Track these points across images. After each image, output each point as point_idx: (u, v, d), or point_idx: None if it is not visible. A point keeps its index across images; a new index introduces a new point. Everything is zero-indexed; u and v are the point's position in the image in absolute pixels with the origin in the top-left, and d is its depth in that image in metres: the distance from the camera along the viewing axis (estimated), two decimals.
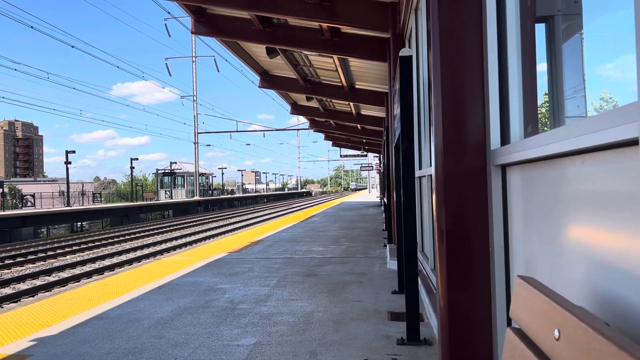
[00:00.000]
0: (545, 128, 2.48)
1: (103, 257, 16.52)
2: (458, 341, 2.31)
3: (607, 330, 0.91)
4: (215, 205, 52.20)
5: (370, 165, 63.04)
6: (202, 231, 25.23)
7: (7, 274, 14.20)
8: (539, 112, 2.49)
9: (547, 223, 1.72)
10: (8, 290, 11.65)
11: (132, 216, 35.59)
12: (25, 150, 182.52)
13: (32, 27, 30.05)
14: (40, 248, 19.15)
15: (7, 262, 15.87)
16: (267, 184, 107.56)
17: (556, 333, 1.04)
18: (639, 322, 1.07)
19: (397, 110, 5.00)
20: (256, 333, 4.56)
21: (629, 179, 1.11)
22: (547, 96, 2.51)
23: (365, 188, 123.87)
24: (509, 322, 2.10)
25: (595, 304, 1.30)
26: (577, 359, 0.96)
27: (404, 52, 4.34)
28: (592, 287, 1.35)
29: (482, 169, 2.31)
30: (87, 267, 14.71)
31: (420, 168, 6.51)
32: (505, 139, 2.24)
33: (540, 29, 2.45)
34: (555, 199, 1.63)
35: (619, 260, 1.20)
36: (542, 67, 2.49)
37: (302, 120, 38.51)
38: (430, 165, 4.04)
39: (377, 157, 45.62)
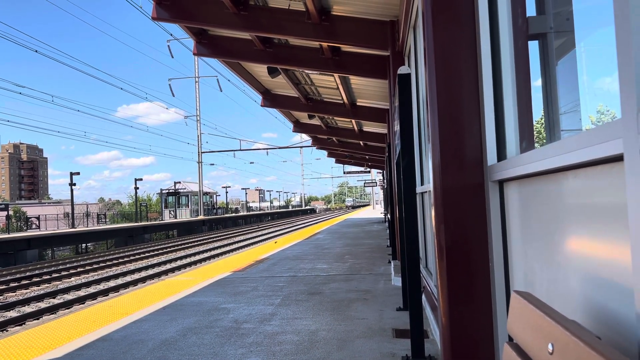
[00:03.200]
0: (542, 141, 2.51)
1: (108, 279, 16.51)
2: (461, 356, 2.31)
3: (598, 345, 0.92)
4: (220, 224, 52.18)
5: (373, 181, 63.08)
6: (206, 250, 25.20)
7: (12, 297, 14.20)
8: (535, 127, 2.53)
9: (543, 238, 1.74)
10: (13, 314, 11.64)
11: (136, 237, 35.60)
12: (30, 172, 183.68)
13: (36, 51, 30.48)
14: (45, 270, 19.16)
15: (12, 285, 15.87)
16: (271, 202, 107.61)
17: (550, 347, 1.06)
18: (630, 335, 1.08)
19: (397, 127, 5.04)
20: (260, 353, 4.54)
21: (617, 193, 1.13)
22: (542, 111, 2.55)
23: (367, 205, 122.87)
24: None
25: (590, 318, 1.31)
26: None
27: (402, 70, 4.40)
28: (586, 301, 1.36)
29: (480, 185, 2.33)
30: (92, 289, 14.69)
31: (422, 184, 6.53)
32: (501, 154, 2.27)
33: (533, 46, 2.50)
34: (550, 214, 1.66)
35: (609, 273, 1.22)
36: (536, 83, 2.53)
37: (305, 138, 38.67)
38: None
39: (380, 173, 45.66)
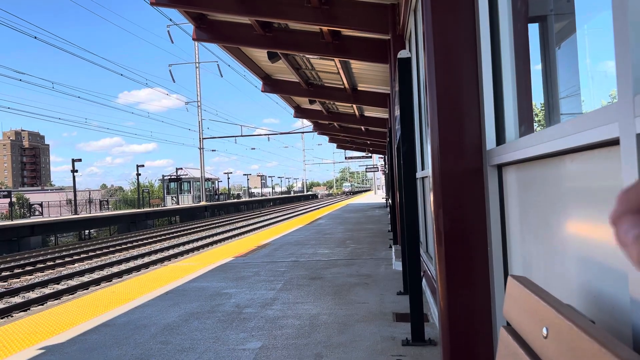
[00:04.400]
0: (539, 127, 2.50)
1: (111, 264, 16.61)
2: (459, 341, 2.33)
3: (591, 329, 0.92)
4: (222, 210, 52.33)
5: (375, 166, 63.02)
6: (208, 236, 25.31)
7: (16, 283, 14.31)
8: (535, 111, 2.51)
9: (540, 222, 1.74)
10: (17, 300, 11.74)
11: (139, 223, 35.75)
12: (32, 159, 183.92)
13: (35, 37, 30.29)
14: (48, 257, 19.29)
15: (16, 271, 15.99)
16: (273, 188, 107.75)
17: (544, 331, 1.06)
18: (624, 319, 1.08)
19: (397, 112, 5.02)
20: (262, 337, 4.58)
21: (613, 177, 1.13)
22: (542, 95, 2.53)
23: (368, 190, 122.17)
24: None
25: (586, 302, 1.32)
26: (563, 357, 0.97)
27: (402, 54, 4.36)
28: (582, 285, 1.37)
29: (479, 170, 2.33)
30: (96, 275, 14.80)
31: (422, 169, 6.52)
32: (500, 138, 2.26)
33: (533, 29, 2.47)
34: (548, 198, 1.65)
35: (604, 257, 1.22)
36: (536, 67, 2.51)
37: (307, 124, 38.57)
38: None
39: (382, 158, 45.59)
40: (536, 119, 2.54)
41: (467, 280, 2.32)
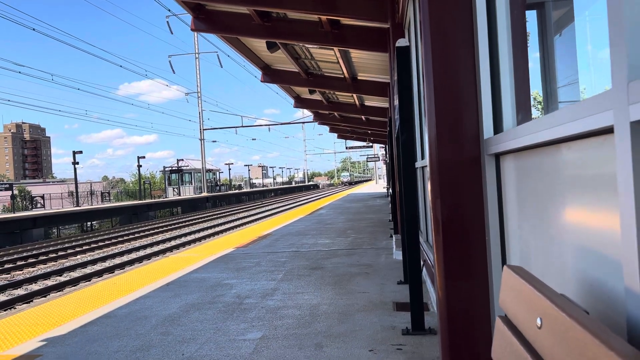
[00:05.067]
0: (539, 115, 2.48)
1: (113, 256, 16.67)
2: (457, 331, 2.32)
3: (584, 319, 0.92)
4: (223, 200, 52.38)
5: (376, 155, 62.96)
6: (210, 227, 25.36)
7: (19, 275, 14.37)
8: (533, 99, 2.49)
9: (538, 211, 1.73)
10: (20, 292, 11.79)
11: (141, 214, 35.82)
12: (34, 152, 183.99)
13: (34, 29, 30.17)
14: (51, 249, 19.35)
15: (19, 263, 16.05)
16: (274, 178, 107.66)
17: (538, 321, 1.05)
18: (619, 309, 1.07)
19: (396, 101, 4.99)
20: (262, 327, 4.60)
21: (608, 166, 1.11)
22: (540, 83, 2.50)
23: (369, 180, 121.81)
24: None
25: (582, 291, 1.31)
26: (557, 348, 0.97)
27: (400, 42, 4.33)
28: (578, 274, 1.36)
29: (476, 159, 2.31)
30: (98, 266, 14.85)
31: (422, 158, 6.50)
32: (498, 127, 2.24)
33: (531, 17, 2.45)
34: (545, 187, 1.64)
35: (600, 247, 1.21)
36: (534, 54, 2.48)
37: (307, 114, 38.47)
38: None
39: (382, 147, 45.53)
40: (539, 107, 2.52)
41: (465, 270, 2.31)
